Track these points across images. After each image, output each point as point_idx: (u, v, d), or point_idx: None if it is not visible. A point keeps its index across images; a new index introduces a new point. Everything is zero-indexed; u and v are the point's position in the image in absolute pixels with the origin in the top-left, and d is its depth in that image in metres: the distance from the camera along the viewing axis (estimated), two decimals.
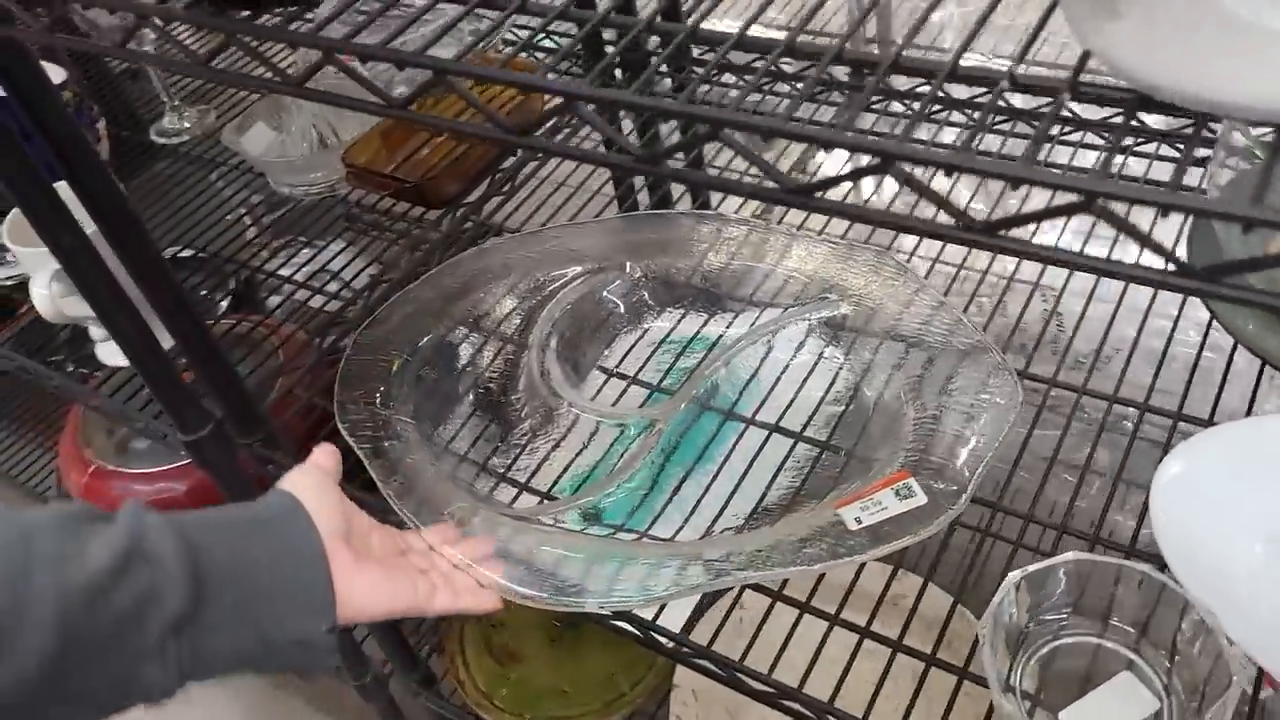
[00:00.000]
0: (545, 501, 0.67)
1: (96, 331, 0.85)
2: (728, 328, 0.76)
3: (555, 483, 0.69)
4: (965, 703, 0.56)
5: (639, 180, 1.06)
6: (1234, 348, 0.68)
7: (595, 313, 0.78)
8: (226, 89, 1.20)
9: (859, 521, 0.58)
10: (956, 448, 0.60)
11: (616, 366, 0.77)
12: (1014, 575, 0.55)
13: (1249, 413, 0.66)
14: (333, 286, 1.09)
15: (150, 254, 0.67)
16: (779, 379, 0.72)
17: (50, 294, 0.76)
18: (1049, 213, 0.29)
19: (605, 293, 0.77)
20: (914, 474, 0.59)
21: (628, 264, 0.78)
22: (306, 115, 0.99)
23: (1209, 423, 0.66)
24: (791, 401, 0.71)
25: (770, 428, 0.70)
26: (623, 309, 0.78)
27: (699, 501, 0.66)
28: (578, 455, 0.70)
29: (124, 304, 0.68)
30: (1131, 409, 0.69)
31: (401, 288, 0.91)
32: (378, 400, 0.72)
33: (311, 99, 0.42)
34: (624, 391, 0.75)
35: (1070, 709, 0.54)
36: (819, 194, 0.33)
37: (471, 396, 0.75)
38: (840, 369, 0.71)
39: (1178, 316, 0.73)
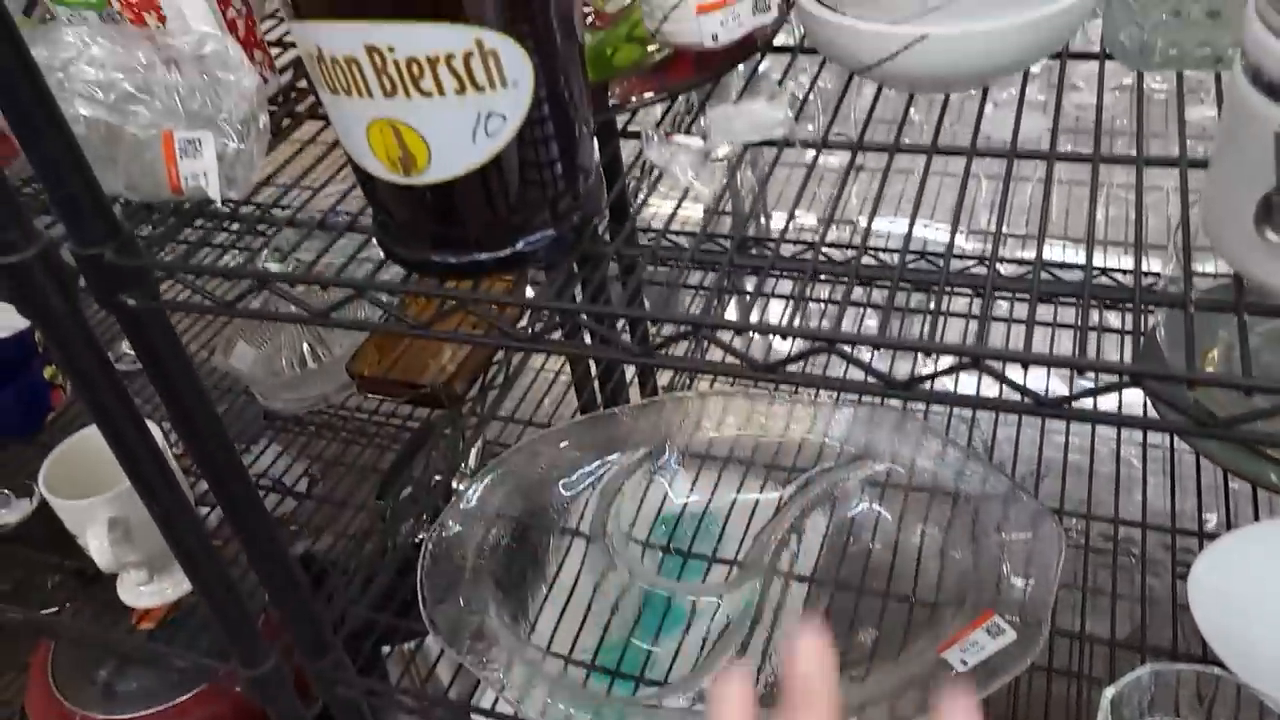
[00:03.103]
0: (647, 687, 0.71)
1: (136, 575, 0.82)
2: (762, 493, 0.83)
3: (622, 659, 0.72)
4: None
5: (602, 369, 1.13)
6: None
7: (647, 493, 0.83)
8: None
9: (964, 663, 0.65)
10: (1024, 585, 0.68)
11: (669, 542, 0.82)
12: (1109, 692, 0.63)
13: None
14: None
15: (237, 467, 0.66)
16: (826, 536, 0.79)
17: (107, 544, 0.74)
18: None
19: (656, 475, 0.83)
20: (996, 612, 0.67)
21: (667, 444, 0.85)
22: (292, 331, 1.01)
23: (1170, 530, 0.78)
24: (842, 558, 0.78)
25: (832, 584, 0.76)
26: (670, 485, 0.84)
27: None
28: (657, 634, 0.74)
29: (201, 533, 0.68)
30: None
31: (422, 489, 0.93)
32: (463, 606, 0.74)
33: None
34: (684, 564, 0.80)
35: None
36: (922, 386, 0.41)
37: (544, 589, 0.78)
38: (888, 524, 0.79)
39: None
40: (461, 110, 0.42)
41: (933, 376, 0.40)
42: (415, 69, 0.40)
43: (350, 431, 1.26)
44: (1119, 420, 0.39)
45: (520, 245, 0.46)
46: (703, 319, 0.43)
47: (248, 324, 1.06)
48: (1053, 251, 1.26)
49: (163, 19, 0.59)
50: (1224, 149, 0.41)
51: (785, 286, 1.15)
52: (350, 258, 0.49)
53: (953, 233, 0.46)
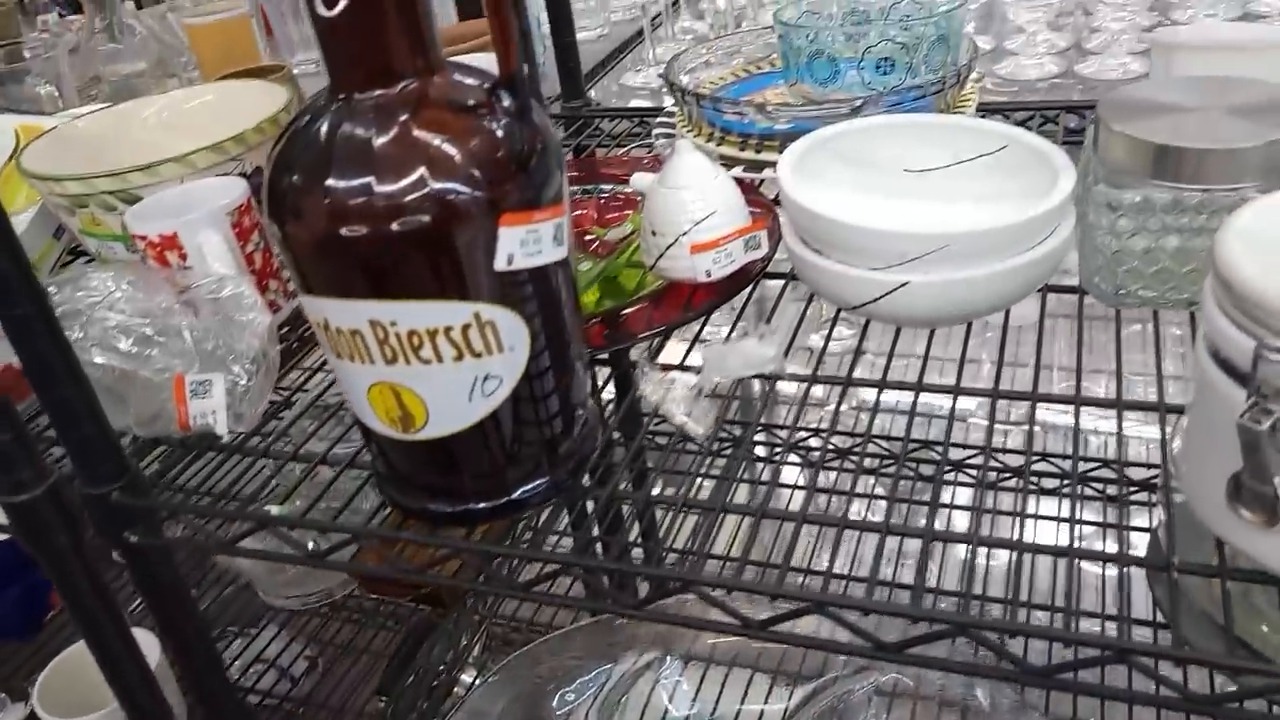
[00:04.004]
0: None
1: None
2: (767, 703, 0.82)
3: None
4: None
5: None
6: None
7: (648, 704, 0.81)
8: None
9: None
10: None
11: None
12: None
13: None
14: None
15: (230, 693, 0.66)
16: None
17: None
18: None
19: (658, 684, 0.82)
20: None
21: (669, 652, 0.83)
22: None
23: None
24: None
25: None
26: (671, 696, 0.82)
27: None
28: None
29: None
30: None
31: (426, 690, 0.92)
32: None
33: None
34: None
35: None
36: (912, 649, 0.41)
37: None
38: None
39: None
40: (459, 375, 0.43)
41: (921, 640, 0.40)
42: (415, 340, 0.42)
43: (362, 612, 1.21)
44: (1107, 694, 0.39)
45: (516, 494, 0.48)
46: (693, 577, 0.43)
47: None
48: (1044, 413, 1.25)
49: (184, 256, 0.62)
50: (1195, 411, 0.42)
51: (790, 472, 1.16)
52: (346, 504, 0.51)
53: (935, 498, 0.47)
